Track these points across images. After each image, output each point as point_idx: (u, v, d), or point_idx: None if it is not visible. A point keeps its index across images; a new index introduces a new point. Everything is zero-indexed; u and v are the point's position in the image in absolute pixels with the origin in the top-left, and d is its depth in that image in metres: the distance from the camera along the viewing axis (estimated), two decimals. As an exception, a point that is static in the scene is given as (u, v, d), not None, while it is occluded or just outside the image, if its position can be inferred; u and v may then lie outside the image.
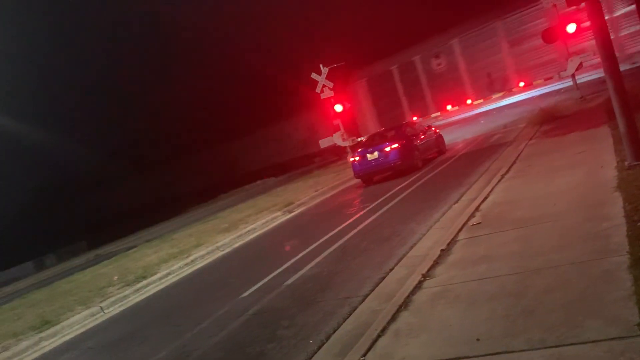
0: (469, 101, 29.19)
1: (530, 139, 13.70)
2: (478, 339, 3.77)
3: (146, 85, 49.40)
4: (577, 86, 20.07)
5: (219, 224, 17.46)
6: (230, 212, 20.95)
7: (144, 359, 6.59)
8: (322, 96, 22.24)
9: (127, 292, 10.88)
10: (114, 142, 52.09)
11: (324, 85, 22.07)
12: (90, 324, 9.62)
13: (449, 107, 31.13)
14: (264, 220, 15.13)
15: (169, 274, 11.65)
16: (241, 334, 6.27)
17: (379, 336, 4.44)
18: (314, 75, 21.75)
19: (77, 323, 9.69)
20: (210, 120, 50.84)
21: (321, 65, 21.74)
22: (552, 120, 15.96)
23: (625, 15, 19.84)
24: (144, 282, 11.35)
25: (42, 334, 9.35)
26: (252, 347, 5.69)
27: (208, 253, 12.69)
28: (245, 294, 7.88)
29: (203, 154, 53.52)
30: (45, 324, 9.85)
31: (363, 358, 4.15)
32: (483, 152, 15.15)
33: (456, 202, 9.39)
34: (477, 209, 7.86)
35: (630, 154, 7.26)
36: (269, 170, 40.48)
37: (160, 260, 13.15)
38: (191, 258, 12.45)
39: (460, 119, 31.12)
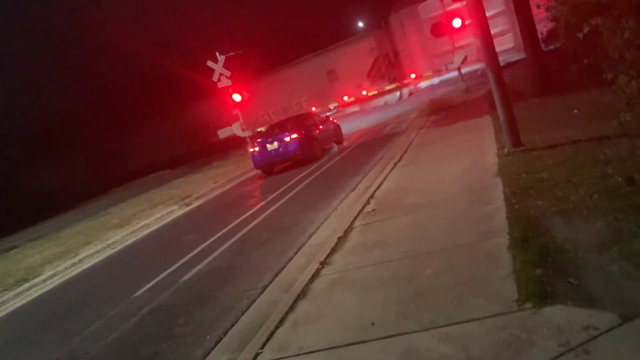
0: (363, 92, 29.87)
1: (421, 128, 14.37)
2: (373, 323, 3.85)
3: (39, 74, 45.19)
4: (462, 78, 21.36)
5: (110, 220, 16.50)
6: (122, 207, 19.88)
7: (25, 370, 6.04)
8: (220, 85, 21.67)
9: (5, 297, 9.95)
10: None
11: (221, 74, 21.52)
12: (-39, 335, 8.66)
13: (345, 98, 31.43)
14: (159, 215, 14.52)
15: (54, 275, 10.80)
16: (134, 334, 5.94)
17: (277, 327, 4.39)
18: (209, 64, 21.11)
19: (-56, 336, 8.67)
20: (103, 113, 47.79)
21: (217, 53, 21.14)
22: (440, 111, 16.87)
23: (492, 16, 21.46)
24: (26, 285, 10.44)
25: None
26: (146, 347, 5.41)
27: (98, 251, 11.93)
28: (139, 293, 7.49)
29: (93, 147, 50.17)
30: None
31: (261, 351, 4.09)
32: (377, 141, 15.65)
33: (353, 190, 9.60)
34: (372, 196, 8.08)
35: (509, 141, 7.83)
36: (166, 163, 38.78)
37: (45, 261, 12.17)
38: (79, 257, 11.64)
39: (356, 110, 31.91)
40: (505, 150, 7.83)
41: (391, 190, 8.24)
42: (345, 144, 18.12)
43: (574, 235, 4.29)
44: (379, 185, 8.71)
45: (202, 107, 36.13)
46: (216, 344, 4.82)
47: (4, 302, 9.75)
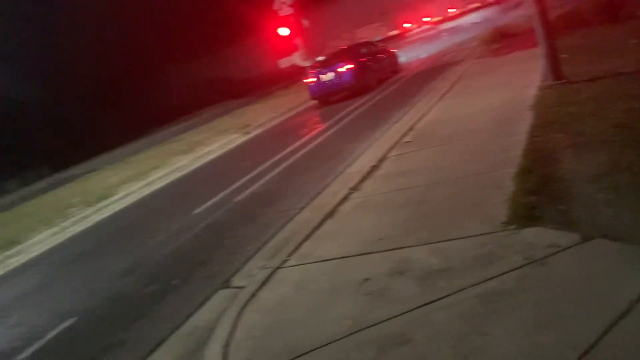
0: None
1: (477, 58, 14.19)
2: (381, 239, 4.44)
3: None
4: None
5: (178, 146, 17.77)
6: (189, 135, 21.20)
7: (103, 269, 7.22)
8: (280, 13, 21.87)
9: (87, 212, 11.37)
10: (73, 63, 49.83)
11: (282, 2, 21.66)
12: (54, 242, 10.16)
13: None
14: (221, 142, 15.52)
15: (128, 194, 12.12)
16: (191, 245, 6.91)
17: (304, 240, 5.09)
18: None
19: (41, 242, 10.22)
20: (165, 42, 49.04)
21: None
22: (502, 39, 16.39)
23: None
24: (104, 202, 11.82)
25: (8, 252, 9.87)
26: (198, 255, 6.34)
27: (166, 175, 13.14)
28: (198, 211, 8.46)
29: (161, 76, 51.88)
30: (11, 243, 10.34)
31: (288, 258, 4.81)
32: (434, 71, 15.61)
33: (397, 121, 9.95)
34: (411, 127, 8.44)
35: (550, 74, 7.85)
36: (230, 92, 39.89)
37: (120, 182, 13.58)
38: (150, 179, 12.90)
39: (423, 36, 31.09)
40: (546, 83, 7.87)
41: (431, 122, 8.54)
42: (402, 73, 18.12)
43: (576, 167, 4.58)
44: (421, 117, 9.01)
45: (264, 36, 36.29)
46: (255, 253, 5.63)
47: (86, 217, 11.18)
